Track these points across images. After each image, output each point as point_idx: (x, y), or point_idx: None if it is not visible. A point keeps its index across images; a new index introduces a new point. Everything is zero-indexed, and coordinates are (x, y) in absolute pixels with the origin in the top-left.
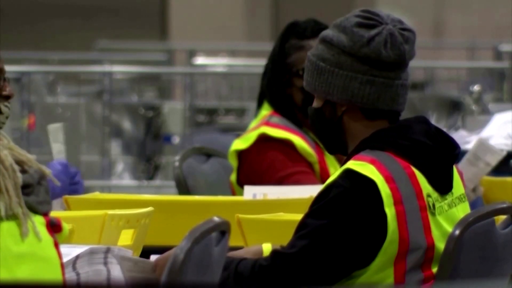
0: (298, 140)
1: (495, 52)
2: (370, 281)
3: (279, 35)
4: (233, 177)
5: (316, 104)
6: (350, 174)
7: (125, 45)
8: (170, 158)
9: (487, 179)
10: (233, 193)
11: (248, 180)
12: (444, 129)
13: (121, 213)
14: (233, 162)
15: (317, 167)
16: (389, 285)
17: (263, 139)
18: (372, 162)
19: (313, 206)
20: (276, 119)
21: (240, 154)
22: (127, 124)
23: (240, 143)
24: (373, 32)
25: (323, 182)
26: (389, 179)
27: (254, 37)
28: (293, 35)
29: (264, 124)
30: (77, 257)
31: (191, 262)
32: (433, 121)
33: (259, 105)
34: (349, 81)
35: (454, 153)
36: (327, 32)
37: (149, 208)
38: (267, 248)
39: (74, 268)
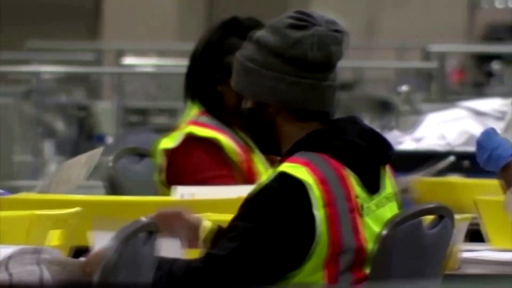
0: (224, 139)
1: (424, 52)
2: (303, 283)
3: (216, 30)
4: (156, 176)
5: (246, 104)
6: (282, 176)
7: (56, 45)
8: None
9: (426, 180)
10: (158, 193)
11: (175, 180)
12: (378, 130)
13: (49, 214)
14: (159, 161)
15: (244, 166)
16: (321, 286)
17: (190, 138)
18: (305, 164)
19: (244, 208)
20: (205, 118)
21: (167, 153)
22: (60, 125)
23: (168, 142)
24: (301, 33)
25: (249, 181)
26: (321, 181)
27: (186, 37)
28: (234, 34)
29: (192, 123)
30: (10, 257)
31: (120, 262)
32: (366, 121)
33: (188, 102)
34: (277, 82)
35: (388, 153)
36: (258, 32)
37: (77, 208)
38: (206, 224)
39: (6, 268)
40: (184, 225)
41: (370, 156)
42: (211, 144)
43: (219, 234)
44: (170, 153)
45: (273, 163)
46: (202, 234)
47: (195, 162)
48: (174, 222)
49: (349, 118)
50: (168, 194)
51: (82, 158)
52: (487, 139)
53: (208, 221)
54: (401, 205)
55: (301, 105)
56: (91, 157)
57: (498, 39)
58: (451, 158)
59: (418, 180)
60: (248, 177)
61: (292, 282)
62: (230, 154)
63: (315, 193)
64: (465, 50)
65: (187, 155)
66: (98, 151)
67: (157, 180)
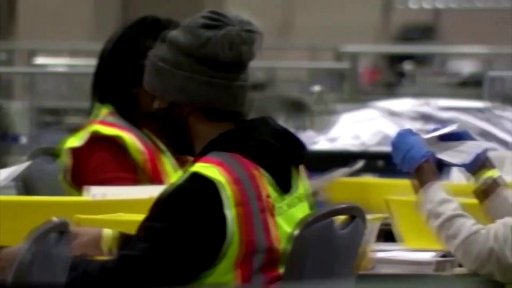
0: (128, 138)
1: (336, 53)
2: (216, 283)
3: (133, 29)
4: (61, 176)
5: (158, 104)
6: (194, 176)
7: None
8: (18, 158)
9: (338, 180)
10: (65, 193)
11: (79, 180)
12: (292, 130)
13: None
14: (64, 160)
15: (147, 165)
16: (234, 286)
17: (95, 137)
18: (219, 164)
19: (156, 208)
20: (112, 118)
21: (72, 152)
22: None
23: (73, 141)
24: (212, 33)
25: (155, 181)
26: (234, 181)
27: (99, 37)
28: (151, 36)
29: (98, 122)
30: None
31: (33, 262)
32: (281, 121)
33: (97, 103)
34: (188, 82)
35: (301, 153)
36: (171, 32)
37: None
38: (107, 234)
39: None
40: (84, 243)
41: (283, 156)
42: (115, 143)
43: (123, 240)
44: (75, 152)
45: (183, 164)
46: (105, 245)
47: (96, 163)
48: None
49: (262, 118)
50: (74, 194)
51: (4, 172)
52: (401, 140)
53: (108, 230)
54: (312, 206)
55: (213, 105)
56: (14, 171)
57: (412, 39)
58: (359, 165)
59: (330, 181)
60: (153, 177)
61: (205, 283)
62: (134, 153)
63: (227, 192)
64: (377, 51)
65: (90, 155)
66: (22, 166)
67: (62, 180)
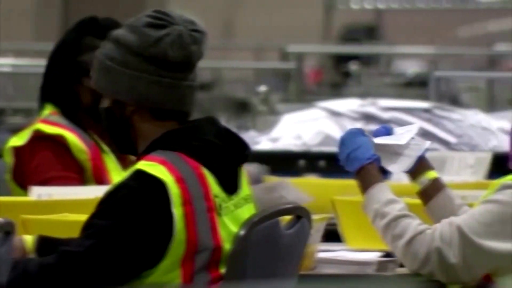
0: (71, 137)
1: (282, 53)
2: (159, 282)
3: (72, 29)
4: (7, 176)
5: (105, 103)
6: (139, 174)
7: None
8: None
9: (272, 179)
10: (11, 193)
11: (22, 179)
12: (234, 130)
13: None
14: (8, 159)
15: (89, 164)
16: (176, 285)
17: (37, 136)
18: (163, 162)
19: (101, 206)
20: (56, 117)
21: (15, 151)
22: None
23: (16, 140)
24: (161, 32)
25: (98, 180)
26: (179, 180)
27: (43, 37)
28: (90, 33)
29: (41, 121)
30: None
31: None
32: (222, 122)
33: (42, 103)
34: (136, 81)
35: (244, 153)
36: (117, 31)
37: None
38: (29, 240)
39: None
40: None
41: (227, 156)
42: (58, 142)
43: (42, 242)
44: (18, 152)
45: (126, 164)
46: (30, 250)
47: (39, 162)
48: None
49: (206, 118)
50: (20, 193)
51: None
52: (350, 137)
53: (27, 236)
54: (258, 207)
55: (160, 104)
56: None
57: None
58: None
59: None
60: (96, 176)
61: (148, 281)
62: (76, 153)
63: (173, 191)
64: (323, 51)
65: (32, 154)
66: None
67: (8, 180)
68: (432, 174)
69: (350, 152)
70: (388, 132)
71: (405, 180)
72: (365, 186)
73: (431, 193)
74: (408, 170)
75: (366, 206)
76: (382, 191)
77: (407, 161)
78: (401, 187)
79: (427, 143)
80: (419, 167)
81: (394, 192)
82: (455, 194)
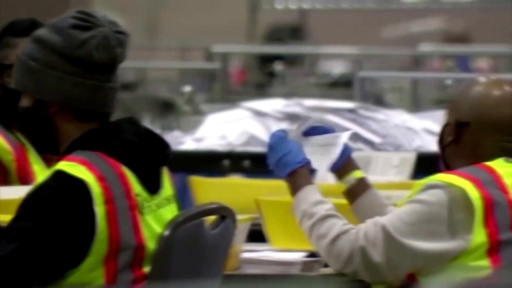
0: None
1: (207, 53)
2: (81, 281)
3: None
4: None
5: (26, 103)
6: (60, 175)
7: None
8: None
9: (197, 180)
10: None
11: None
12: (158, 130)
13: None
14: None
15: (13, 165)
16: (99, 285)
17: None
18: (83, 162)
19: (23, 208)
20: None
21: None
22: None
23: None
24: (87, 34)
25: (22, 180)
26: (100, 179)
27: None
28: (8, 33)
29: None
30: None
31: None
32: (147, 122)
33: None
34: (60, 82)
35: (165, 153)
36: (40, 32)
37: None
38: None
39: None
40: None
41: (148, 156)
42: None
43: None
44: None
45: (49, 163)
46: None
47: None
48: None
49: (127, 119)
50: None
51: None
52: (279, 142)
53: None
54: (180, 207)
55: (84, 105)
56: None
57: (279, 40)
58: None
59: (195, 180)
60: (20, 177)
61: (71, 280)
62: (0, 153)
63: (95, 190)
64: (248, 51)
65: None
66: None
67: None
68: (358, 174)
69: (280, 157)
70: (325, 131)
71: (331, 180)
72: (295, 189)
73: (357, 192)
74: (333, 167)
75: (294, 208)
76: (311, 193)
77: (331, 157)
78: (327, 187)
79: (347, 134)
80: (346, 166)
81: (321, 192)
82: (381, 194)
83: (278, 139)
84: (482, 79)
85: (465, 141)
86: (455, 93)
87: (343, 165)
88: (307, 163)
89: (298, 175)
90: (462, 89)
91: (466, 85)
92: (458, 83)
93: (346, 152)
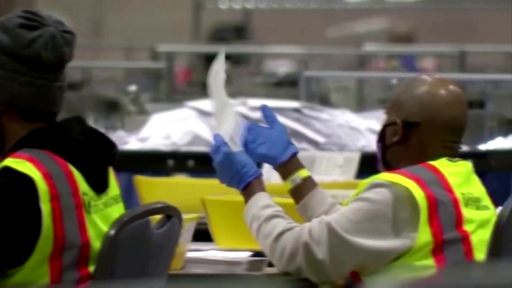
0: None
1: (152, 52)
2: (26, 280)
3: None
4: None
5: None
6: (6, 171)
7: None
8: None
9: (143, 179)
10: None
11: None
12: (103, 130)
13: None
14: None
15: None
16: (44, 284)
17: None
18: (29, 159)
19: None
20: None
21: None
22: None
23: None
24: (34, 34)
25: None
26: (46, 176)
27: None
28: None
29: None
30: None
31: None
32: (91, 121)
33: None
34: (8, 81)
35: (111, 152)
36: None
37: None
38: None
39: None
40: None
41: (94, 155)
42: None
43: None
44: None
45: None
46: None
47: None
48: None
49: (74, 118)
50: None
51: None
52: (226, 160)
53: None
54: (126, 207)
55: (31, 105)
56: None
57: (223, 39)
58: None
59: (140, 179)
60: None
61: (16, 278)
62: None
63: (41, 187)
64: (193, 50)
65: None
66: None
67: None
68: (304, 173)
69: (232, 176)
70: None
71: (277, 179)
72: (248, 198)
73: (303, 192)
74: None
75: (245, 215)
76: (261, 198)
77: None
78: (273, 186)
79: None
80: (291, 165)
81: (269, 191)
82: (327, 193)
83: (225, 156)
84: (426, 78)
85: (412, 141)
86: (398, 92)
87: (288, 164)
88: (260, 174)
89: (252, 186)
90: (406, 89)
91: (410, 84)
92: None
93: (291, 151)
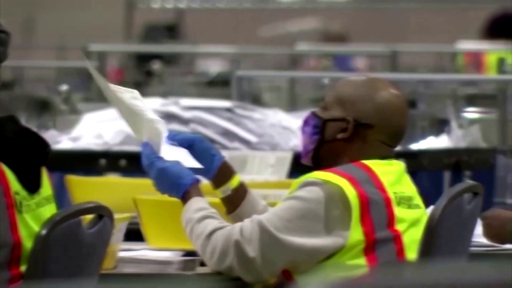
0: None
1: (84, 52)
2: None
3: None
4: None
5: None
6: None
7: None
8: None
9: (74, 179)
10: None
11: None
12: (35, 129)
13: None
14: None
15: None
16: None
17: None
18: None
19: None
20: None
21: None
22: None
23: None
24: None
25: None
26: None
27: None
28: None
29: None
30: None
31: None
32: (23, 121)
33: None
34: None
35: (45, 152)
36: None
37: None
38: None
39: None
40: None
41: (27, 155)
42: None
43: None
44: None
45: None
46: None
47: None
48: None
49: (7, 117)
50: None
51: None
52: (160, 174)
53: None
54: (58, 206)
55: None
56: None
57: (156, 39)
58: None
59: (72, 179)
60: None
61: None
62: None
63: None
64: (125, 50)
65: None
66: None
67: None
68: (234, 183)
69: (170, 187)
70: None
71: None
72: (185, 204)
73: (235, 202)
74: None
75: (182, 219)
76: (196, 202)
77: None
78: (208, 186)
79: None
80: (220, 175)
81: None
82: (259, 198)
83: (159, 172)
84: (377, 80)
85: (358, 141)
86: (346, 89)
87: (217, 174)
88: (197, 180)
89: (189, 194)
90: (357, 88)
91: (362, 84)
92: (336, 82)
93: (218, 160)
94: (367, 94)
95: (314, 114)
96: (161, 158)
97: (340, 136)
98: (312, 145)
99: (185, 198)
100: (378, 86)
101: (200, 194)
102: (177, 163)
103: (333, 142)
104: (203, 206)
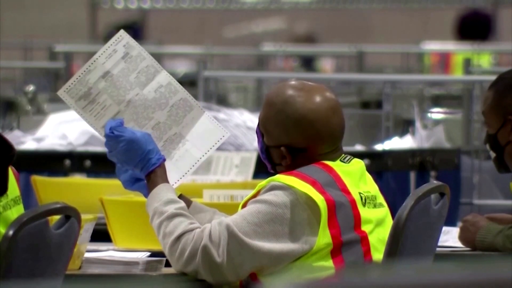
0: None
1: (50, 52)
2: None
3: None
4: None
5: None
6: None
7: None
8: None
9: (40, 179)
10: None
11: None
12: None
13: None
14: None
15: None
16: None
17: None
18: None
19: None
20: None
21: None
22: None
23: None
24: None
25: None
26: None
27: None
28: None
29: None
30: None
31: None
32: None
33: None
34: None
35: (10, 154)
36: None
37: None
38: None
39: None
40: None
41: None
42: None
43: None
44: None
45: None
46: None
47: None
48: None
49: None
50: None
51: None
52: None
53: None
54: (24, 207)
55: None
56: None
57: None
58: None
59: (43, 180)
60: None
61: None
62: None
63: None
64: (90, 50)
65: None
66: None
67: None
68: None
69: (140, 158)
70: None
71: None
72: (151, 187)
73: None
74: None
75: (147, 205)
76: (165, 191)
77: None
78: (184, 186)
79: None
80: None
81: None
82: (203, 206)
83: (129, 142)
84: (293, 97)
85: (303, 160)
86: (272, 115)
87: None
88: (164, 159)
89: (155, 174)
90: (278, 113)
91: (281, 108)
92: None
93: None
94: (287, 117)
95: (259, 134)
96: (130, 129)
97: (283, 162)
98: (267, 163)
99: (150, 177)
100: (295, 101)
101: (165, 178)
102: (147, 135)
103: (281, 165)
104: (173, 198)
